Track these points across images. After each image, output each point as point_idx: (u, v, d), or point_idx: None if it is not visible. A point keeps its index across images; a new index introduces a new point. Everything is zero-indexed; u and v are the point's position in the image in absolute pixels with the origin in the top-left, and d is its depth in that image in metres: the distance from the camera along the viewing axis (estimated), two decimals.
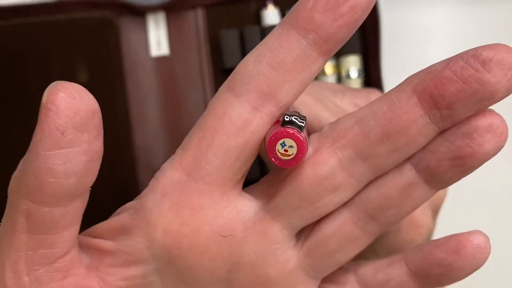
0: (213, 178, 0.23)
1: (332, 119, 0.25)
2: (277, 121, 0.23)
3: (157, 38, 0.40)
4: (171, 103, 0.40)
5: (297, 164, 0.22)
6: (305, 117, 0.23)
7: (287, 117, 0.22)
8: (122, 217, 0.24)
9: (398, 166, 0.23)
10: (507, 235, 0.40)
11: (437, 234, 0.27)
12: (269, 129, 0.23)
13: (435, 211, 0.32)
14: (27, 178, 0.21)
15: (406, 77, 0.23)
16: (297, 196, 0.23)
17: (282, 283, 0.25)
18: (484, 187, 0.42)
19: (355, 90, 0.33)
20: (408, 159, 0.23)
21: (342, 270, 0.26)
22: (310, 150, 0.23)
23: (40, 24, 0.39)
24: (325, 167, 0.23)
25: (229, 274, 0.24)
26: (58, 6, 0.39)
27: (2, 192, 0.23)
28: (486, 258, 0.24)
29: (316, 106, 0.30)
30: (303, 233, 0.25)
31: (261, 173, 0.38)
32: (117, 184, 0.40)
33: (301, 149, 0.22)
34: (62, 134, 0.20)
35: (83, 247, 0.24)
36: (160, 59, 0.40)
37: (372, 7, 0.22)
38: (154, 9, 0.40)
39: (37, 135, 0.21)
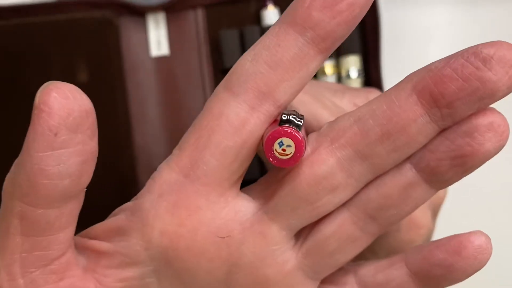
0: (210, 178, 0.23)
1: (331, 118, 0.25)
2: (275, 120, 0.23)
3: (157, 38, 0.40)
4: (171, 103, 0.40)
5: (295, 164, 0.22)
6: (303, 116, 0.23)
7: (284, 116, 0.22)
8: (118, 218, 0.24)
9: (398, 165, 0.23)
10: (508, 235, 0.40)
11: (438, 235, 0.27)
12: (267, 128, 0.23)
13: (435, 212, 0.32)
14: (20, 179, 0.21)
15: None
16: (296, 196, 0.23)
17: (280, 284, 0.25)
18: (485, 187, 0.41)
19: (354, 89, 0.33)
20: (408, 159, 0.23)
21: (341, 271, 0.26)
22: (308, 149, 0.23)
23: (40, 24, 0.39)
24: (324, 167, 0.23)
25: (227, 275, 0.24)
26: (58, 6, 0.39)
27: None
28: (488, 259, 0.24)
29: (314, 105, 0.30)
30: (302, 233, 0.25)
31: (261, 173, 0.38)
32: (117, 184, 0.40)
33: (299, 148, 0.22)
34: (55, 135, 0.20)
35: (79, 249, 0.24)
36: (160, 59, 0.40)
37: (370, 4, 0.21)
38: (154, 9, 0.40)
39: (29, 136, 0.20)
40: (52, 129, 0.20)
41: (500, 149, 0.22)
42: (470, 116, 0.22)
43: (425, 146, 0.23)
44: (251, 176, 0.26)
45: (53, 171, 0.20)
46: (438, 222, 0.32)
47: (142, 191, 0.24)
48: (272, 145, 0.22)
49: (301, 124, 0.22)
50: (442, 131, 0.22)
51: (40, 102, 0.20)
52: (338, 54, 0.40)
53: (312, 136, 0.24)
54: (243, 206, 0.24)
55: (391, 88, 0.23)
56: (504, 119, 0.22)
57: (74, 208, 0.22)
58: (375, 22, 0.39)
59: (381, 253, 0.29)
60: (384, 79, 0.40)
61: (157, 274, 0.24)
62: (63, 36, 0.39)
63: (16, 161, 0.21)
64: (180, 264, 0.24)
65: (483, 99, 0.21)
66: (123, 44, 0.40)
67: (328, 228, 0.24)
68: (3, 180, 0.22)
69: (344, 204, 0.24)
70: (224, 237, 0.23)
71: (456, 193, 0.34)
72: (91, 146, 0.21)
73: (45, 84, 0.20)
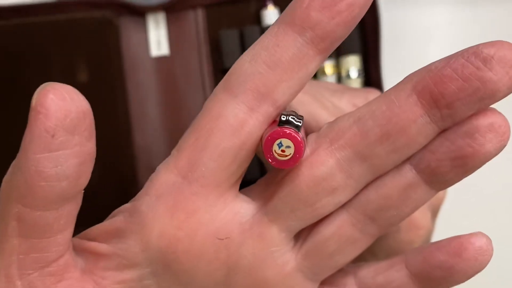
0: (208, 180, 0.23)
1: (330, 119, 0.25)
2: (274, 121, 0.23)
3: (157, 38, 0.40)
4: (171, 103, 0.40)
5: (295, 165, 0.22)
6: (302, 116, 0.23)
7: (283, 117, 0.22)
8: (116, 220, 0.24)
9: (398, 166, 0.23)
10: (510, 236, 0.40)
11: (438, 236, 0.27)
12: (266, 129, 0.23)
13: (434, 212, 0.32)
14: (17, 181, 0.21)
15: None
16: (295, 198, 0.23)
17: (280, 285, 0.24)
18: (486, 187, 0.41)
19: (353, 89, 0.33)
20: (407, 159, 0.23)
21: (341, 272, 0.26)
22: (307, 150, 0.23)
23: (40, 24, 0.39)
24: (323, 168, 0.23)
25: (227, 277, 0.24)
26: (58, 6, 0.39)
27: None
28: (488, 260, 0.23)
29: (313, 105, 0.29)
30: (301, 235, 0.24)
31: (261, 173, 0.38)
32: (117, 184, 0.40)
33: (299, 149, 0.22)
34: (53, 136, 0.20)
35: (78, 250, 0.24)
36: (160, 59, 0.40)
37: (369, 4, 0.21)
38: (154, 9, 0.40)
39: (26, 138, 0.20)
40: (49, 131, 0.20)
41: (501, 150, 0.22)
42: (470, 116, 0.22)
43: (425, 146, 0.23)
44: (251, 176, 0.26)
45: (51, 173, 0.20)
46: (438, 223, 0.32)
47: (140, 193, 0.24)
48: (271, 146, 0.22)
49: (300, 124, 0.22)
50: (442, 131, 0.22)
51: (37, 103, 0.20)
52: (338, 54, 0.40)
53: (312, 137, 0.23)
54: (242, 208, 0.24)
55: (390, 88, 0.23)
56: (505, 119, 0.22)
57: (72, 209, 0.22)
58: (375, 22, 0.39)
59: (380, 254, 0.29)
60: (384, 79, 0.40)
61: (156, 276, 0.24)
62: (63, 36, 0.39)
63: (13, 163, 0.21)
64: (178, 266, 0.23)
65: (484, 100, 0.21)
66: (123, 44, 0.40)
67: (328, 230, 0.24)
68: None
69: (343, 205, 0.24)
70: (223, 239, 0.23)
71: (457, 193, 0.34)
72: (89, 147, 0.21)
73: (42, 85, 0.20)
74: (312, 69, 0.22)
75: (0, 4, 0.39)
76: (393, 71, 0.40)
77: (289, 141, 0.22)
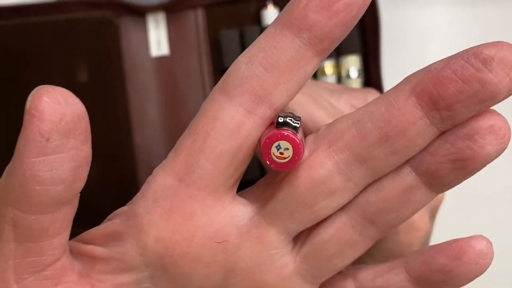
0: (205, 183, 0.22)
1: (328, 120, 0.25)
2: (272, 123, 0.23)
3: (157, 38, 0.40)
4: (171, 103, 0.40)
5: (294, 167, 0.22)
6: (300, 117, 0.22)
7: (281, 119, 0.22)
8: (113, 223, 0.24)
9: (397, 168, 0.23)
10: (510, 239, 0.40)
11: (438, 238, 0.26)
12: (264, 131, 0.22)
13: (432, 214, 0.31)
14: (12, 185, 0.20)
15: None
16: (293, 200, 0.23)
17: None
18: (486, 190, 0.41)
19: (352, 90, 0.32)
20: (407, 162, 0.23)
21: (340, 275, 0.26)
22: (306, 152, 0.23)
23: (40, 24, 0.39)
24: (322, 170, 0.22)
25: (225, 281, 0.24)
26: (58, 6, 0.39)
27: None
28: (489, 264, 0.23)
29: (311, 106, 0.29)
30: (300, 237, 0.24)
31: (261, 173, 0.37)
32: (117, 184, 0.40)
33: (297, 151, 0.22)
34: (47, 140, 0.20)
35: (75, 254, 0.24)
36: (160, 59, 0.40)
37: (368, 4, 0.21)
38: (154, 9, 0.40)
39: (21, 142, 0.20)
40: (43, 135, 0.20)
41: (502, 152, 0.22)
42: (470, 118, 0.21)
43: (424, 149, 0.22)
44: (251, 176, 0.25)
45: (46, 177, 0.20)
46: (438, 226, 0.32)
47: (137, 196, 0.24)
48: (270, 148, 0.22)
49: (298, 126, 0.22)
50: (442, 133, 0.22)
51: (31, 107, 0.19)
52: (338, 54, 0.40)
53: (310, 139, 0.23)
54: (240, 211, 0.23)
55: (389, 90, 0.22)
56: (505, 121, 0.22)
57: (68, 213, 0.22)
58: (375, 22, 0.39)
59: (379, 256, 0.29)
60: (384, 79, 0.40)
61: (153, 279, 0.24)
62: (63, 36, 0.39)
63: (8, 166, 0.21)
64: (176, 269, 0.23)
65: (484, 102, 0.21)
66: (123, 44, 0.40)
67: (327, 232, 0.24)
68: None
69: (342, 208, 0.24)
70: (220, 242, 0.23)
71: (457, 196, 0.34)
72: (84, 151, 0.21)
73: (36, 88, 0.20)
74: (310, 70, 0.22)
75: (0, 4, 0.39)
76: (393, 71, 0.40)
77: (288, 143, 0.22)
